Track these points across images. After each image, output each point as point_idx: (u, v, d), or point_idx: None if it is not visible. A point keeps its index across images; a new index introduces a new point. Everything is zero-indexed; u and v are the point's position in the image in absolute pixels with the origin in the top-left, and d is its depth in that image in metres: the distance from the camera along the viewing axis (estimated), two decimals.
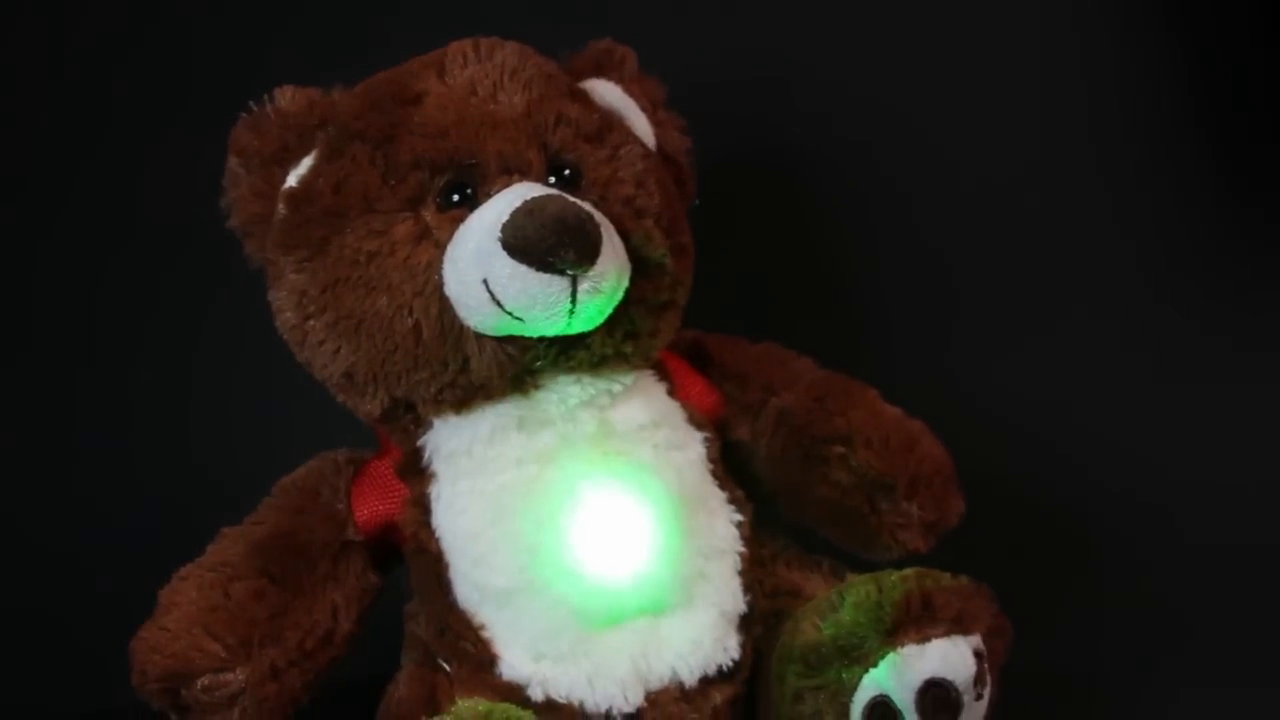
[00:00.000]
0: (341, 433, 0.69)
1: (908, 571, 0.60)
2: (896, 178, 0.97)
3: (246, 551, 0.64)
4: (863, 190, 0.97)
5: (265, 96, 0.65)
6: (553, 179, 0.62)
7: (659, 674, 0.62)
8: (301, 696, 0.63)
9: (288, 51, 0.92)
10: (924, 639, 0.58)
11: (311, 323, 0.63)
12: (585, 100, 0.66)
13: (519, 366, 0.61)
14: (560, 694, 0.61)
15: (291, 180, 0.64)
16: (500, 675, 0.62)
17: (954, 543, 0.67)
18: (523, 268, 0.57)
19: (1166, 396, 0.97)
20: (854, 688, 0.58)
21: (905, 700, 0.57)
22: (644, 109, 0.69)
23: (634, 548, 0.62)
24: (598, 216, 0.59)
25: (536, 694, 0.62)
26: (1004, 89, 0.97)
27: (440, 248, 0.60)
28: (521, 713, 0.58)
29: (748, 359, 0.72)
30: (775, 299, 0.94)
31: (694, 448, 0.66)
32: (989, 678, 0.59)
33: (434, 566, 0.64)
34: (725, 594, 0.64)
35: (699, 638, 0.63)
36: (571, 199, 0.59)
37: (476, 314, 0.59)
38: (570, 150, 0.63)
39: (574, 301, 0.58)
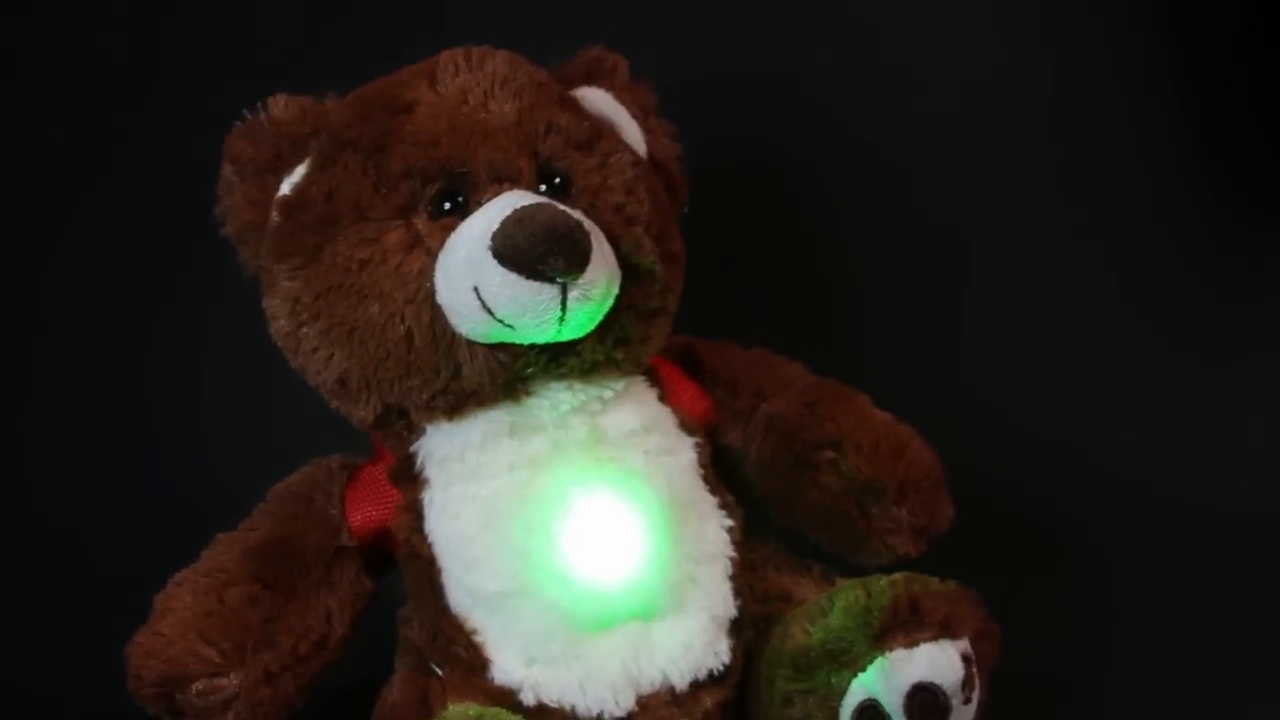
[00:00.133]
0: (335, 439, 0.69)
1: (896, 576, 0.61)
2: (887, 184, 0.97)
3: (241, 557, 0.64)
4: (853, 196, 0.98)
5: (259, 105, 0.66)
6: (543, 187, 0.63)
7: (650, 678, 0.62)
8: (295, 701, 0.64)
9: (286, 57, 0.92)
10: (912, 643, 0.58)
11: (305, 330, 0.63)
12: (576, 109, 0.66)
13: (510, 373, 0.62)
14: (552, 698, 0.62)
15: (285, 188, 0.65)
16: (492, 679, 0.62)
17: (943, 547, 0.68)
18: (513, 276, 0.57)
19: (1152, 402, 0.97)
20: (843, 692, 0.59)
21: (894, 704, 0.58)
22: (635, 116, 0.69)
23: (625, 553, 0.62)
24: (587, 224, 0.59)
25: (528, 698, 0.62)
26: (999, 90, 0.98)
27: (432, 256, 0.61)
28: (512, 717, 0.58)
29: (739, 365, 0.72)
30: (766, 305, 0.94)
31: (685, 453, 0.66)
32: (977, 681, 0.60)
33: (427, 571, 0.64)
34: (716, 598, 0.64)
35: (690, 642, 0.63)
36: (561, 207, 0.59)
37: (468, 321, 0.60)
38: (560, 158, 0.64)
39: (564, 309, 0.58)
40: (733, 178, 0.92)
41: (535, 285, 0.57)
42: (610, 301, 0.61)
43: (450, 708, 0.58)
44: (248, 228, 0.66)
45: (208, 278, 0.77)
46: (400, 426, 0.65)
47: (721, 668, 0.64)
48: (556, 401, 0.63)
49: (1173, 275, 0.99)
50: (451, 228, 0.61)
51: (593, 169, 0.64)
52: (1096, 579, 0.87)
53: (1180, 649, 0.77)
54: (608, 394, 0.64)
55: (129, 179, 0.97)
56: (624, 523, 0.62)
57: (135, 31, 0.97)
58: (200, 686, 0.61)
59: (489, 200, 0.61)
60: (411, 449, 0.65)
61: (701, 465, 0.67)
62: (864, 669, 0.58)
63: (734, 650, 0.64)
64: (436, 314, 0.60)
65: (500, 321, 0.58)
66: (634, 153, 0.67)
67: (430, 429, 0.65)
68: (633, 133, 0.69)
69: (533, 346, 0.61)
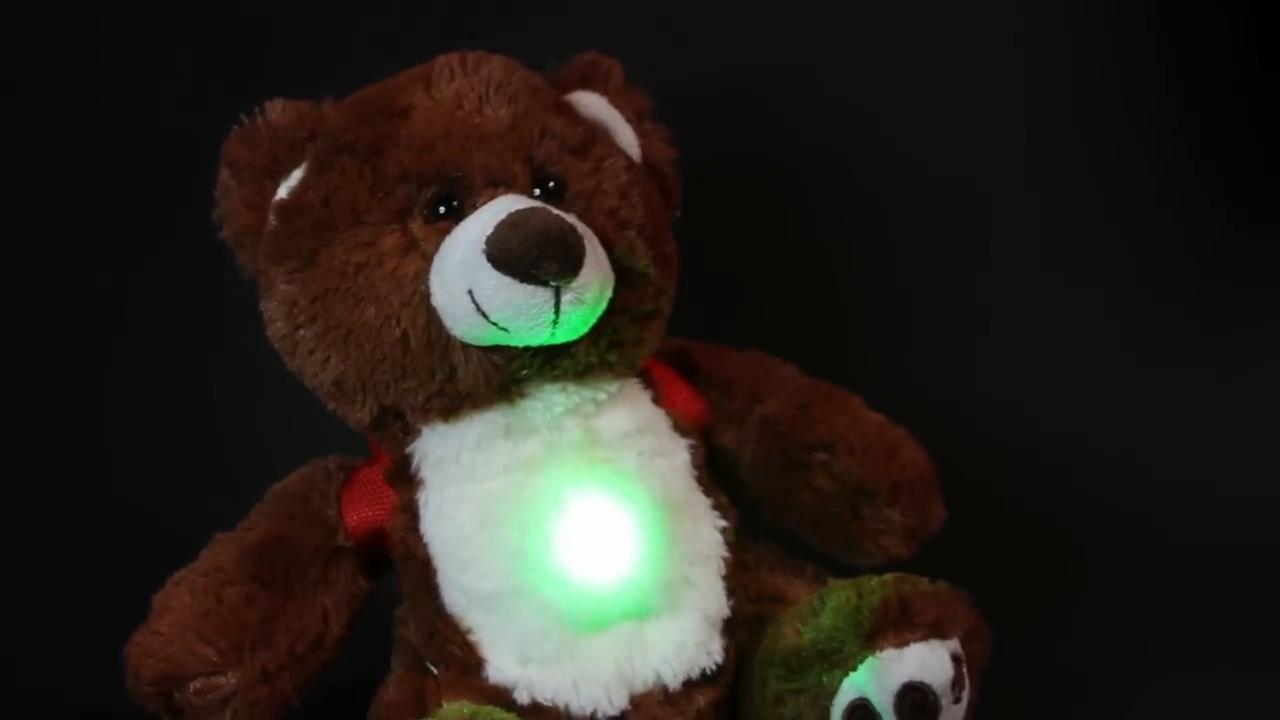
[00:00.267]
0: (333, 440, 0.70)
1: (887, 577, 0.61)
2: (880, 187, 0.98)
3: (238, 557, 0.65)
4: (846, 200, 0.98)
5: (256, 109, 0.66)
6: (537, 191, 0.63)
7: (643, 677, 0.63)
8: (292, 699, 0.64)
9: (281, 64, 0.93)
10: (902, 643, 0.59)
11: (302, 332, 0.64)
12: (570, 113, 0.67)
13: (505, 375, 0.62)
14: (546, 697, 0.62)
15: (282, 192, 0.65)
16: (487, 678, 0.63)
17: (935, 548, 0.68)
18: (507, 279, 0.58)
19: (1144, 402, 0.97)
20: (834, 691, 0.59)
21: (884, 703, 0.58)
22: (629, 121, 0.69)
23: (619, 553, 0.62)
24: (581, 228, 0.60)
25: (523, 697, 0.62)
26: (993, 92, 0.98)
27: (427, 259, 0.61)
28: (506, 715, 0.59)
29: (732, 367, 0.73)
30: (760, 308, 0.95)
31: (679, 454, 0.66)
32: (967, 681, 0.60)
33: (422, 571, 0.64)
34: (709, 599, 0.65)
35: (683, 641, 0.63)
36: (555, 211, 0.59)
37: (462, 324, 0.60)
38: (555, 163, 0.64)
39: (558, 312, 0.59)
40: (726, 182, 0.92)
41: (529, 289, 0.58)
42: (604, 305, 0.61)
43: (445, 706, 0.59)
44: (245, 231, 0.66)
45: (197, 282, 0.78)
46: (396, 428, 0.66)
47: (714, 667, 0.64)
48: (551, 404, 0.63)
49: (1164, 275, 0.99)
50: (446, 231, 0.61)
51: (587, 173, 0.64)
52: (1097, 579, 0.87)
53: (1180, 648, 0.78)
54: (602, 396, 0.65)
55: (146, 179, 0.97)
56: (618, 524, 0.63)
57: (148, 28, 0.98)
58: (198, 685, 0.61)
59: (484, 204, 0.61)
60: (407, 450, 0.66)
61: (695, 467, 0.67)
62: (855, 668, 0.59)
63: (727, 650, 0.65)
64: (432, 317, 0.61)
65: (494, 324, 0.59)
66: (628, 157, 0.67)
67: (426, 430, 0.65)
68: (627, 137, 0.69)
69: (527, 349, 0.61)
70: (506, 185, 0.62)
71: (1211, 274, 0.99)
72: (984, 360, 0.98)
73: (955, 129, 0.98)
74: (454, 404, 0.63)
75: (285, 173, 0.65)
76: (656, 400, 0.68)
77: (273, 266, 0.65)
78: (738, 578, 0.66)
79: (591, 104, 0.69)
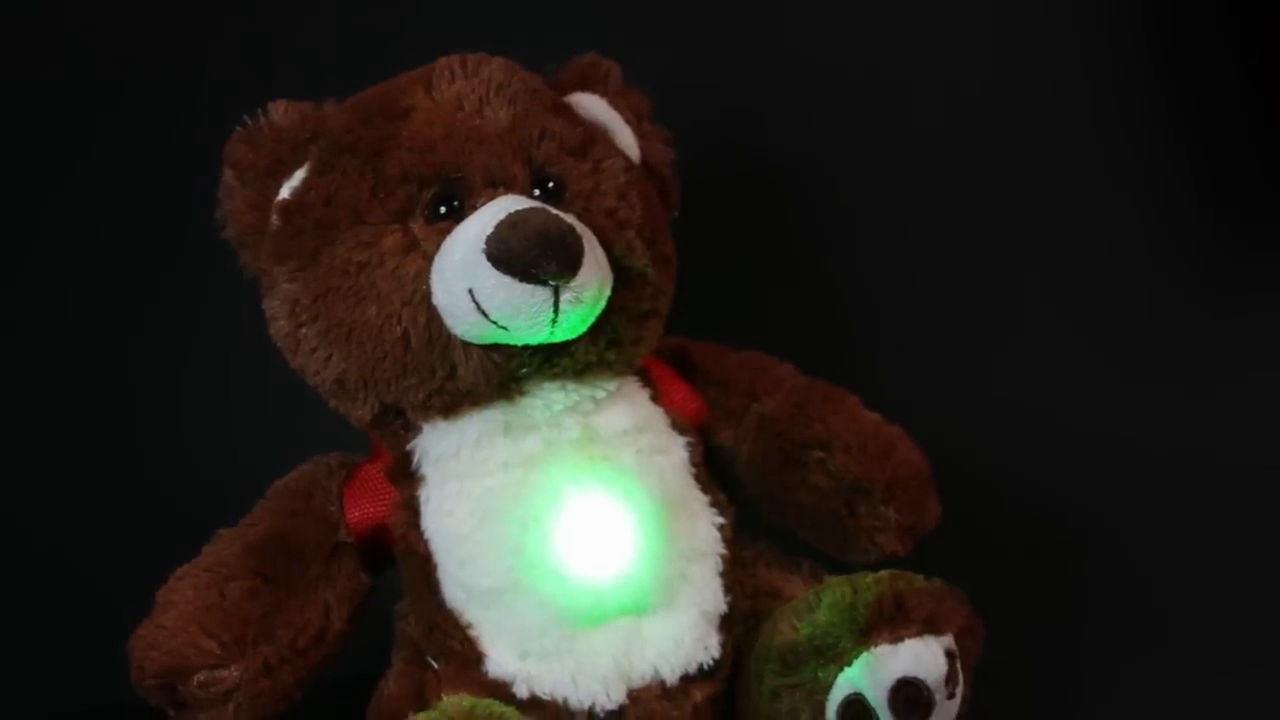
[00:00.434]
0: (335, 437, 0.70)
1: (882, 573, 0.61)
2: (878, 186, 0.98)
3: (241, 552, 0.65)
4: (844, 199, 0.98)
5: (259, 110, 0.67)
6: (537, 192, 0.64)
7: (641, 672, 0.63)
8: (294, 693, 0.65)
9: (284, 66, 0.93)
10: (897, 639, 0.59)
11: (304, 331, 0.64)
12: (569, 114, 0.67)
13: (504, 373, 0.63)
14: (544, 691, 0.63)
15: (284, 192, 0.66)
16: (486, 672, 0.63)
17: (930, 545, 0.68)
18: (507, 279, 0.58)
19: (1140, 397, 0.97)
20: (829, 686, 0.60)
21: (878, 699, 0.59)
22: (628, 121, 0.70)
23: (617, 549, 0.63)
24: (580, 228, 0.60)
25: (521, 691, 0.63)
26: (993, 92, 0.98)
27: (428, 259, 0.62)
28: (505, 709, 0.59)
29: (730, 366, 0.73)
30: (757, 307, 0.95)
31: (676, 452, 0.67)
32: (961, 677, 0.60)
33: (423, 567, 0.65)
34: (707, 595, 0.65)
35: (680, 637, 0.64)
36: (554, 212, 0.60)
37: (463, 323, 0.61)
38: (554, 164, 0.64)
39: (556, 311, 0.59)
40: (724, 182, 0.93)
41: (528, 288, 0.58)
42: (602, 304, 0.62)
43: (445, 700, 0.59)
44: (248, 231, 0.66)
45: (197, 285, 0.78)
46: (397, 425, 0.66)
47: (711, 662, 0.65)
48: (550, 401, 0.64)
49: (1159, 272, 1.00)
50: (447, 231, 0.62)
51: (586, 174, 0.65)
52: (1096, 579, 0.88)
53: (1179, 649, 0.78)
54: (600, 394, 0.65)
55: (108, 174, 0.97)
56: (616, 520, 0.63)
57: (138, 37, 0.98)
58: (202, 678, 0.62)
59: (484, 205, 0.62)
60: (408, 447, 0.66)
61: (693, 464, 0.68)
62: (850, 664, 0.59)
63: (724, 645, 0.65)
64: (432, 315, 0.61)
65: (494, 323, 0.60)
66: (627, 158, 0.68)
67: (426, 428, 0.66)
68: (626, 138, 0.69)
69: (526, 347, 0.62)
70: (506, 186, 0.63)
71: (1218, 271, 0.99)
72: (984, 360, 0.98)
73: (955, 129, 0.98)
74: (454, 401, 0.64)
75: (288, 173, 0.66)
76: (655, 398, 0.68)
77: (275, 266, 0.65)
78: (735, 574, 0.67)
79: (591, 105, 0.69)
